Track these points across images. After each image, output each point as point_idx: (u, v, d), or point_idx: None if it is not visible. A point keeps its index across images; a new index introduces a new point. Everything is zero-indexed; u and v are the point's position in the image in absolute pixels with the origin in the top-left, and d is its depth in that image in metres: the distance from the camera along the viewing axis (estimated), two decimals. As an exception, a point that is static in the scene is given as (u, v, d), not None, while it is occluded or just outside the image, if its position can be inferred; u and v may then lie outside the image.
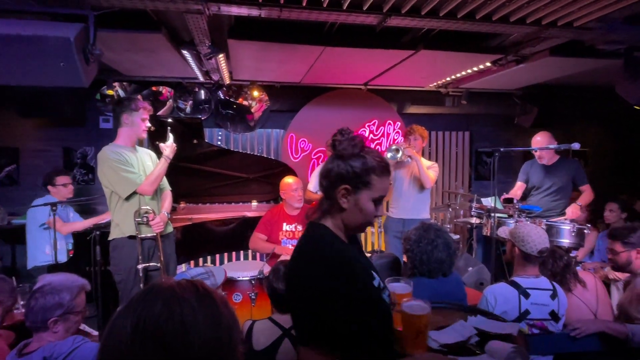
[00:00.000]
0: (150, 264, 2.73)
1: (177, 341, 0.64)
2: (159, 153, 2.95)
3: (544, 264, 2.36)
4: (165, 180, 3.00)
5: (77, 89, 2.56)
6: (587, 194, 3.82)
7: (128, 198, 2.69)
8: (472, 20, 2.63)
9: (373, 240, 5.81)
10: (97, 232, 3.20)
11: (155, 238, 2.76)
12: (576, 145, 3.11)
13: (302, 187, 3.57)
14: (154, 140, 3.59)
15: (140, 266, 2.66)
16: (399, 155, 3.70)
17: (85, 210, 4.70)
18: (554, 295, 2.15)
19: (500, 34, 3.21)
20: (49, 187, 3.76)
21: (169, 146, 2.89)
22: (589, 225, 3.44)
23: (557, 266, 2.39)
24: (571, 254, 3.19)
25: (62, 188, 3.77)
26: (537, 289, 2.15)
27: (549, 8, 2.47)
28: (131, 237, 2.71)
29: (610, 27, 2.64)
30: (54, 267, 3.25)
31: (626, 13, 2.47)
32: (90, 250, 3.20)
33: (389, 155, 3.77)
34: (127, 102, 2.82)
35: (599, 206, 4.29)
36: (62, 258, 3.59)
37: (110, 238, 2.79)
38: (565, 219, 3.61)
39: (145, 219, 2.69)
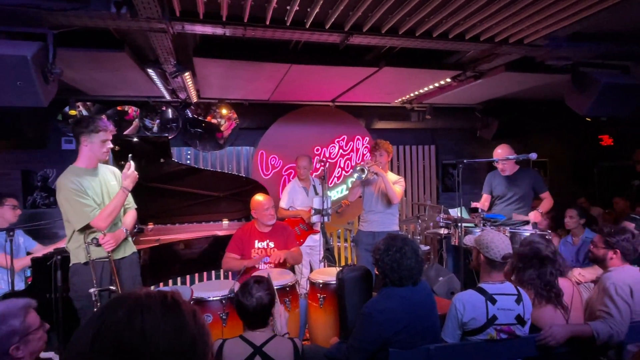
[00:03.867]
0: (110, 287, 2.61)
1: (135, 350, 0.63)
2: None
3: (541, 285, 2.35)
4: (130, 198, 2.87)
5: (38, 109, 2.48)
6: (547, 201, 4.00)
7: (82, 229, 2.59)
8: (430, 38, 2.76)
9: (346, 254, 5.83)
10: (58, 257, 3.06)
11: (108, 259, 2.63)
12: (533, 155, 3.27)
13: (273, 205, 3.55)
14: (119, 160, 3.51)
15: (92, 290, 2.50)
16: (364, 175, 3.75)
17: (47, 235, 4.51)
18: (518, 300, 2.21)
19: (458, 51, 3.37)
20: None
21: (129, 176, 2.70)
22: (549, 232, 3.58)
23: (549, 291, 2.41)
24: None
25: (10, 210, 3.56)
26: (503, 294, 2.21)
27: (500, 26, 2.63)
28: (87, 263, 2.60)
29: (556, 44, 2.84)
30: (12, 296, 3.07)
31: (569, 31, 2.67)
32: (51, 276, 3.05)
33: (355, 175, 3.80)
34: (86, 122, 2.62)
35: (559, 213, 4.48)
36: (20, 286, 3.41)
37: (70, 264, 2.68)
38: (528, 226, 3.76)
39: (95, 242, 2.56)
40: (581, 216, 4.20)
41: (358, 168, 3.78)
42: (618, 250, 2.42)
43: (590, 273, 3.48)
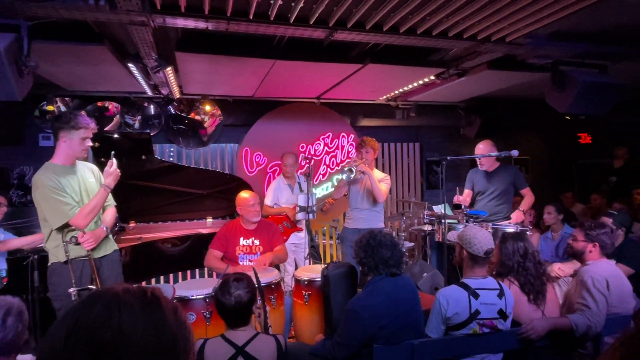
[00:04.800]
0: (90, 286, 2.55)
1: (112, 348, 0.60)
2: (104, 169, 2.79)
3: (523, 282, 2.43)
4: (110, 195, 2.80)
5: (13, 104, 2.41)
6: (527, 198, 4.07)
7: (60, 228, 2.51)
8: (414, 35, 2.77)
9: (332, 252, 5.84)
10: (35, 257, 2.99)
11: (88, 257, 2.57)
12: (515, 152, 3.32)
13: (258, 201, 3.53)
14: (99, 157, 3.43)
15: (71, 290, 2.43)
16: (353, 175, 3.74)
17: (24, 234, 4.37)
18: (501, 295, 2.24)
19: (441, 49, 3.39)
20: None
21: (111, 173, 2.63)
22: (531, 227, 3.64)
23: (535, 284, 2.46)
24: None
25: None
26: (486, 289, 2.24)
27: (482, 24, 2.66)
28: (66, 262, 2.54)
29: (537, 43, 2.89)
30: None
31: (549, 30, 2.71)
32: (28, 276, 2.97)
33: (343, 177, 3.78)
34: (66, 118, 2.53)
35: (541, 210, 4.57)
36: (-5, 287, 3.31)
37: (49, 263, 2.61)
38: (510, 223, 3.82)
39: (73, 240, 2.49)
40: (559, 212, 4.29)
41: (346, 169, 3.76)
42: (597, 244, 2.48)
43: (569, 267, 3.55)
